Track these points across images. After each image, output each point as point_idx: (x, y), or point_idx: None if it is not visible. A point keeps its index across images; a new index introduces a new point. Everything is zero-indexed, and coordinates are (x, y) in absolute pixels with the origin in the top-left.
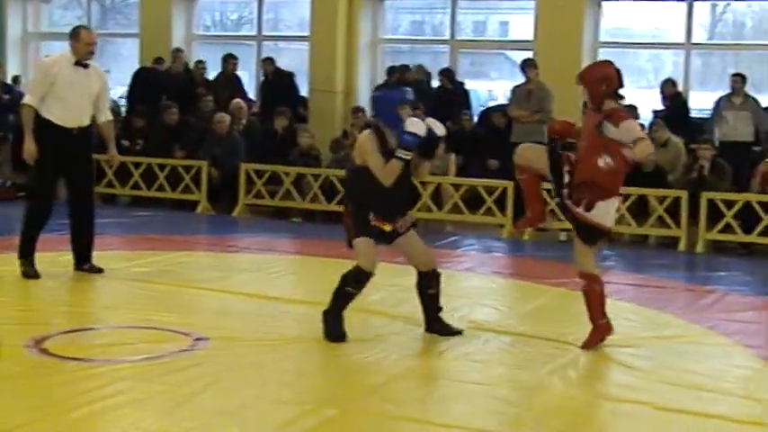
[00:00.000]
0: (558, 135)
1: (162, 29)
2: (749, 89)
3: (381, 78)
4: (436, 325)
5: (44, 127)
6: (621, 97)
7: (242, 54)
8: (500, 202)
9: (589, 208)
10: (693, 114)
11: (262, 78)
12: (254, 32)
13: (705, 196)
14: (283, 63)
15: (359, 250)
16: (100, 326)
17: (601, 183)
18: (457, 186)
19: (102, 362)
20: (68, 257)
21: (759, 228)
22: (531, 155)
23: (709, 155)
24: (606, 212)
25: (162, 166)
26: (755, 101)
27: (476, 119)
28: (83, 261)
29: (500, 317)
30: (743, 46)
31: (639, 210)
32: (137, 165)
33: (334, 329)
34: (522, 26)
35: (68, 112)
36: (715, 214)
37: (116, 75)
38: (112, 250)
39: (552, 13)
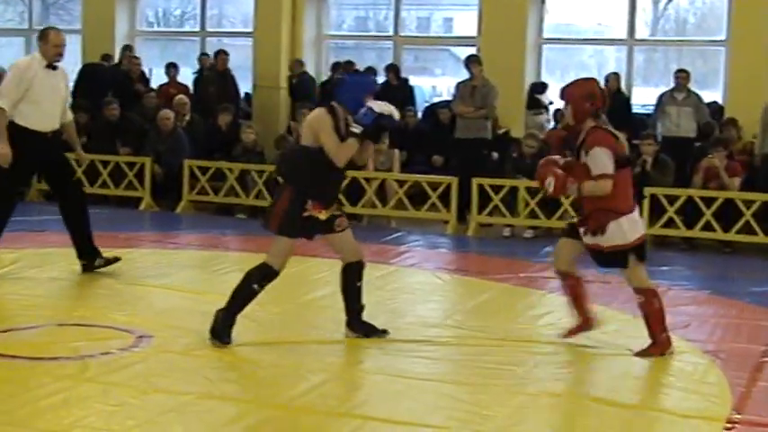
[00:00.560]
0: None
1: (104, 25)
2: (692, 85)
3: (326, 74)
4: (362, 326)
5: (20, 133)
6: (600, 116)
7: (185, 50)
8: (444, 198)
9: (598, 232)
10: (636, 110)
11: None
12: (197, 28)
13: (648, 191)
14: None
15: (277, 248)
16: (41, 324)
17: (604, 206)
18: (401, 182)
19: (43, 360)
20: (9, 255)
21: (701, 223)
22: (564, 254)
23: (651, 150)
24: (620, 231)
25: (105, 163)
26: (698, 96)
27: (420, 115)
28: (91, 254)
29: (445, 313)
30: (685, 42)
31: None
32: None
33: (224, 333)
34: (466, 22)
35: (43, 117)
36: (658, 209)
37: None
38: (54, 248)
39: (496, 10)
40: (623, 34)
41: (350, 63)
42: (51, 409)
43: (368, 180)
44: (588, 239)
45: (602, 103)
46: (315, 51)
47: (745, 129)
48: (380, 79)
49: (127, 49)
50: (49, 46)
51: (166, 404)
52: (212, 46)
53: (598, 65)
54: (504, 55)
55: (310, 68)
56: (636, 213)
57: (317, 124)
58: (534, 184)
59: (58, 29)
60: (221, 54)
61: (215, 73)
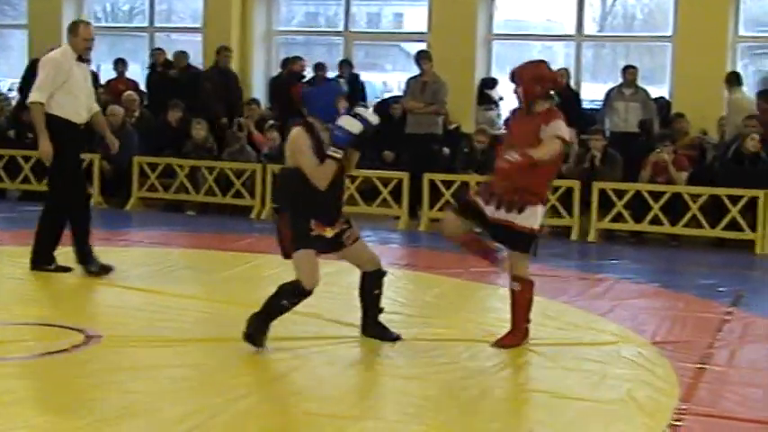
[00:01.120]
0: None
1: (51, 20)
2: (639, 81)
3: (276, 70)
4: (376, 329)
5: (59, 124)
6: (552, 98)
7: (134, 46)
8: (395, 194)
9: (515, 210)
10: (585, 105)
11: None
12: (146, 24)
13: (597, 186)
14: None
15: (299, 265)
16: None
17: (532, 188)
18: (352, 178)
19: None
20: None
21: (649, 216)
22: (451, 226)
23: (600, 145)
24: (535, 217)
25: None
26: (645, 92)
27: (371, 110)
28: (88, 260)
29: (397, 307)
30: (633, 38)
31: None
32: (27, 158)
33: (258, 336)
34: (417, 18)
35: (79, 108)
36: (606, 204)
37: (4, 67)
38: (2, 246)
39: (446, 5)
40: (572, 30)
41: (298, 58)
42: (1, 408)
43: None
44: (500, 215)
45: (552, 84)
46: (265, 47)
47: (692, 124)
48: (332, 74)
49: None
50: (79, 39)
51: (117, 403)
52: (161, 42)
53: (547, 60)
54: (454, 51)
55: (260, 64)
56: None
57: (294, 146)
58: (483, 179)
59: (87, 22)
60: (223, 51)
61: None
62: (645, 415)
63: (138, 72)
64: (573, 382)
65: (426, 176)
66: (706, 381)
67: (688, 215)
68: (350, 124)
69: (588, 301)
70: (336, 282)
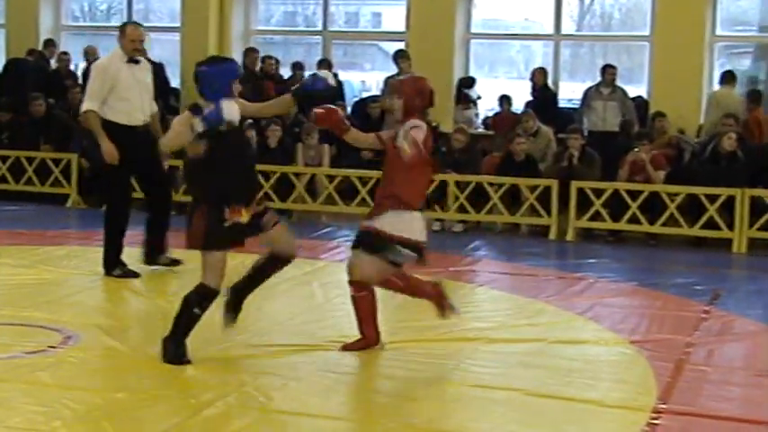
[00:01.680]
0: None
1: (29, 19)
2: (617, 80)
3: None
4: (238, 308)
5: (112, 129)
6: (426, 115)
7: (112, 45)
8: (374, 193)
9: (375, 216)
10: (563, 104)
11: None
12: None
13: (575, 185)
14: (154, 54)
15: (208, 266)
16: None
17: (398, 195)
18: (331, 177)
19: None
20: None
21: (627, 215)
22: (367, 271)
23: (578, 144)
24: (395, 222)
25: (30, 159)
26: (623, 91)
27: (349, 110)
28: (158, 253)
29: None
30: (610, 37)
31: (511, 199)
32: (4, 158)
33: (179, 354)
34: (395, 17)
35: (132, 110)
36: (584, 203)
37: None
38: None
39: (424, 5)
40: (550, 29)
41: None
42: None
43: (297, 175)
44: (364, 223)
45: (429, 102)
46: (243, 46)
47: (670, 123)
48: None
49: (49, 43)
50: (127, 40)
51: (94, 403)
52: None
53: (525, 60)
54: (432, 50)
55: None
56: (418, 216)
57: (176, 127)
58: (461, 178)
59: (136, 23)
60: (267, 59)
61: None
62: (623, 414)
63: None
64: (551, 382)
65: None
66: (684, 379)
67: (666, 214)
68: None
69: (566, 301)
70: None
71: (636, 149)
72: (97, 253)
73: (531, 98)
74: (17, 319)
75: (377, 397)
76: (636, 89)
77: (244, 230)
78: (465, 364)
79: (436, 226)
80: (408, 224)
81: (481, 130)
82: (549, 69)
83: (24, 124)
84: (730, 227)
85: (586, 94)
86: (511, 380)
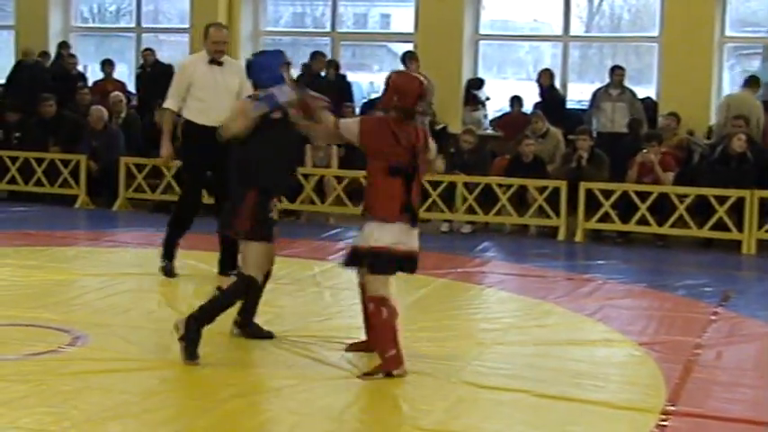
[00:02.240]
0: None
1: (38, 21)
2: (626, 81)
3: None
4: (254, 327)
5: (188, 128)
6: (410, 117)
7: (121, 46)
8: None
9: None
10: (571, 106)
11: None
12: (133, 24)
13: (584, 186)
14: (164, 55)
15: (254, 258)
16: None
17: (369, 209)
18: (340, 179)
19: None
20: None
21: (636, 217)
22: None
23: (587, 145)
24: (369, 233)
25: (39, 160)
26: (632, 92)
27: (358, 111)
28: (228, 267)
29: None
30: (619, 38)
31: (519, 200)
32: (13, 159)
33: (195, 342)
34: (403, 19)
35: (208, 111)
36: (593, 204)
37: None
38: None
39: (433, 6)
40: (559, 30)
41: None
42: None
43: (306, 176)
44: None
45: (410, 104)
46: (251, 47)
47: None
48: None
49: (63, 46)
50: (209, 42)
51: (103, 404)
52: (148, 42)
53: (534, 61)
54: (441, 51)
55: None
56: (396, 227)
57: (237, 112)
58: (470, 179)
59: (219, 24)
60: (318, 56)
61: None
62: (631, 416)
63: (125, 72)
64: (559, 383)
65: None
66: (693, 381)
67: (675, 215)
68: (283, 93)
69: (575, 302)
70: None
71: (645, 151)
72: (106, 254)
73: (539, 99)
74: (26, 319)
75: (384, 398)
76: (645, 90)
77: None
78: (473, 365)
79: (445, 227)
80: (380, 235)
81: (490, 131)
82: (558, 70)
83: (33, 125)
84: (739, 228)
85: (595, 95)
86: (519, 381)
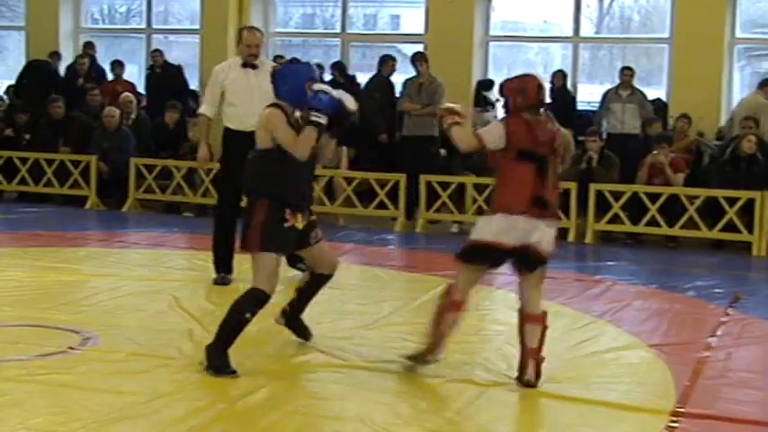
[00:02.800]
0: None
1: (49, 21)
2: (636, 82)
3: None
4: (298, 323)
5: (225, 133)
6: (538, 113)
7: (131, 47)
8: (392, 195)
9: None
10: (582, 107)
11: (148, 71)
12: (143, 26)
13: (593, 187)
14: (174, 56)
15: (262, 269)
16: None
17: (495, 198)
18: (349, 179)
19: None
20: None
21: (646, 218)
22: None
23: (597, 147)
24: (487, 226)
25: (50, 161)
26: (642, 94)
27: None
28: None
29: (393, 309)
30: (629, 40)
31: None
32: (23, 160)
33: (224, 365)
34: (413, 20)
35: (241, 116)
36: (603, 205)
37: (1, 68)
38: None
39: (443, 7)
40: (569, 32)
41: (295, 60)
42: None
43: (316, 178)
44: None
45: (535, 100)
46: (262, 49)
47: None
48: (327, 77)
49: (87, 46)
50: (242, 45)
51: (113, 405)
52: (159, 43)
53: (544, 62)
54: (450, 52)
55: None
56: (523, 219)
57: (269, 123)
58: (480, 180)
59: (253, 28)
60: (388, 60)
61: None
62: (641, 417)
63: (135, 73)
64: (569, 384)
65: (423, 178)
66: (703, 382)
67: (685, 217)
68: (329, 90)
69: (585, 303)
70: None
71: (655, 152)
72: (116, 254)
73: (549, 100)
74: (37, 320)
75: (394, 399)
76: (655, 91)
77: (298, 237)
78: (483, 366)
79: (454, 228)
80: (502, 229)
81: None
82: (568, 71)
83: (43, 126)
84: (750, 229)
85: (605, 96)
86: None
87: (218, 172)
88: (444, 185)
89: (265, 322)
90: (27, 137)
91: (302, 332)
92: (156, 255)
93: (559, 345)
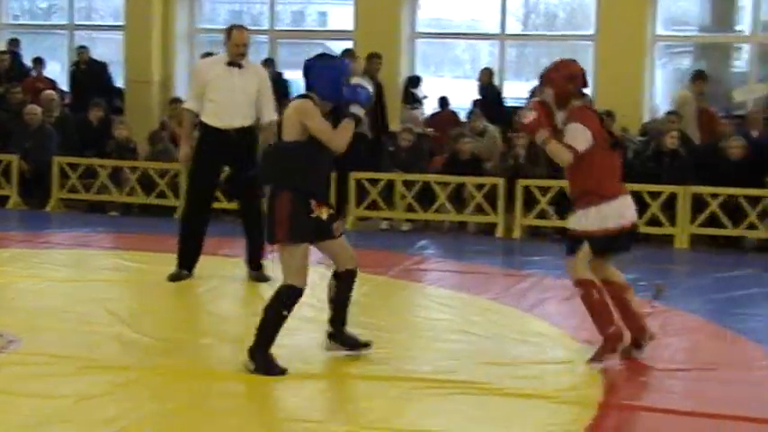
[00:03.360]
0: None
1: None
2: None
3: None
4: (347, 340)
5: (202, 129)
6: (584, 95)
7: (53, 44)
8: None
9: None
10: (509, 103)
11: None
12: (65, 22)
13: (521, 183)
14: (98, 53)
15: (291, 263)
16: None
17: (588, 188)
18: None
19: None
20: None
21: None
22: (586, 254)
23: (524, 143)
24: (598, 217)
25: None
26: None
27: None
28: (252, 267)
29: (321, 307)
30: (555, 37)
31: (458, 198)
32: None
33: (272, 366)
34: (341, 16)
35: (222, 114)
36: (531, 201)
37: None
38: None
39: (370, 4)
40: (495, 29)
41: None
42: None
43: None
44: (570, 224)
45: (582, 83)
46: (188, 45)
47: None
48: None
49: (12, 43)
50: (231, 44)
51: (40, 409)
52: (81, 40)
53: (471, 59)
54: (378, 49)
55: (183, 63)
56: (620, 200)
57: (301, 115)
58: (410, 176)
59: (242, 27)
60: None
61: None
62: (569, 409)
63: (57, 70)
64: (498, 378)
65: (353, 175)
66: (628, 374)
67: None
68: (365, 83)
69: (514, 298)
70: None
71: None
72: (40, 255)
73: (478, 97)
74: None
75: (332, 398)
76: None
77: (321, 228)
78: (414, 362)
79: (384, 225)
80: (609, 215)
81: (430, 129)
82: (495, 68)
83: None
84: (672, 223)
85: (532, 92)
86: (459, 376)
87: (191, 169)
88: (374, 182)
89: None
90: None
91: (356, 345)
92: (82, 255)
93: (489, 340)
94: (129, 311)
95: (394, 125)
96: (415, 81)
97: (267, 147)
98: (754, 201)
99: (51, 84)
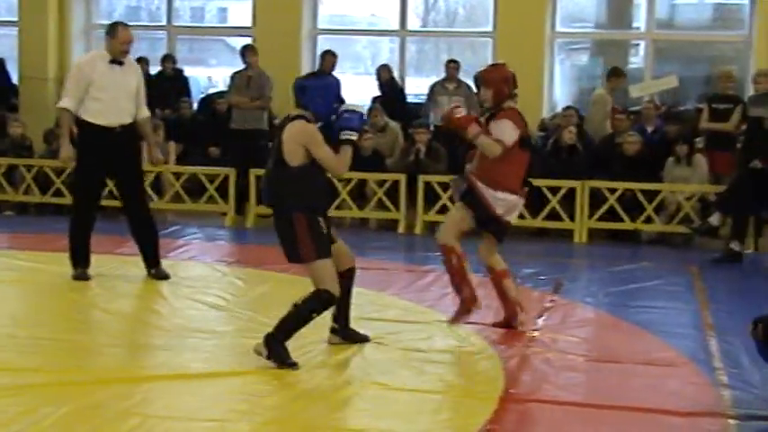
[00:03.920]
0: (456, 127)
1: None
2: (462, 75)
3: None
4: (349, 331)
5: (85, 128)
6: (515, 96)
7: None
8: (222, 190)
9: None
10: (410, 99)
11: None
12: None
13: (422, 179)
14: None
15: (323, 274)
16: None
17: (494, 178)
18: (177, 175)
19: None
20: None
21: None
22: (457, 224)
23: (425, 138)
24: (503, 203)
25: None
26: (468, 86)
27: (196, 106)
28: (150, 265)
29: (224, 304)
30: (455, 33)
31: (359, 194)
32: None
33: (286, 358)
34: (241, 12)
35: (107, 112)
36: (432, 196)
37: None
38: None
39: (270, 0)
40: (396, 25)
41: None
42: None
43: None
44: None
45: (515, 84)
46: (84, 42)
47: None
48: (154, 70)
49: None
50: (117, 42)
51: None
52: None
53: (372, 55)
54: (279, 45)
55: None
56: (518, 198)
57: (304, 139)
58: None
59: (126, 24)
60: (328, 55)
61: None
62: (471, 403)
63: None
64: (401, 373)
65: (253, 172)
66: (529, 367)
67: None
68: (357, 107)
69: (416, 293)
70: None
71: None
72: None
73: (378, 93)
74: None
75: (234, 396)
76: None
77: (329, 237)
78: (316, 360)
79: None
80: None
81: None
82: (396, 64)
83: None
84: (571, 218)
85: (432, 89)
86: (362, 373)
87: (76, 169)
88: None
89: None
90: None
91: (361, 340)
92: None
93: (391, 335)
94: (23, 312)
95: None
96: None
97: (271, 170)
98: (651, 195)
99: None
